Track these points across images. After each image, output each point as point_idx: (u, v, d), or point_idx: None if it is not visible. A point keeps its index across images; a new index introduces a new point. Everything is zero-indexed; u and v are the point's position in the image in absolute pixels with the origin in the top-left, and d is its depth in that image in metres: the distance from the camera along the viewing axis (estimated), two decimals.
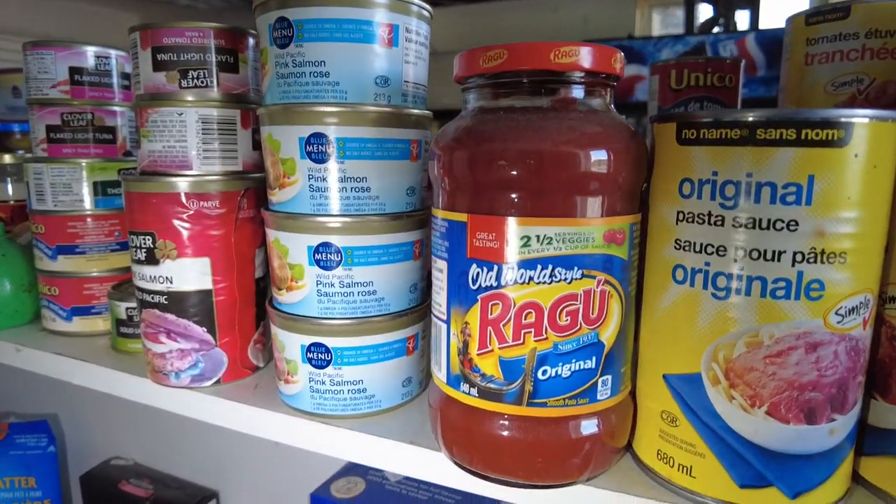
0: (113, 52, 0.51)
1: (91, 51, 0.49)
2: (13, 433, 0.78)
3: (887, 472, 0.28)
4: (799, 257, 0.24)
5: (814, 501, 0.26)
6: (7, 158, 0.69)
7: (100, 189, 0.50)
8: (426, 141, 0.37)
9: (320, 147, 0.33)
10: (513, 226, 0.26)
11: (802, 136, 0.24)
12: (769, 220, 0.24)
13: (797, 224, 0.24)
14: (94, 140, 0.50)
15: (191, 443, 0.73)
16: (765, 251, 0.25)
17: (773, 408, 0.26)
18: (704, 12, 4.04)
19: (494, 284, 0.27)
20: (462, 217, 0.28)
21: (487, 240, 0.27)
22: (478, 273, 0.27)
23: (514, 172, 0.26)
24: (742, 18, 3.91)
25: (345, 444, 0.35)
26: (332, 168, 0.33)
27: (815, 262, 0.24)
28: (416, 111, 0.35)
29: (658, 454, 0.29)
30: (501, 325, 0.27)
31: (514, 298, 0.27)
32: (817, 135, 0.23)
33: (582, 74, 0.27)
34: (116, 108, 0.51)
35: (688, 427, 0.28)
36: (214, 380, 0.41)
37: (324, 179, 0.33)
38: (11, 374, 0.83)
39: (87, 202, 0.50)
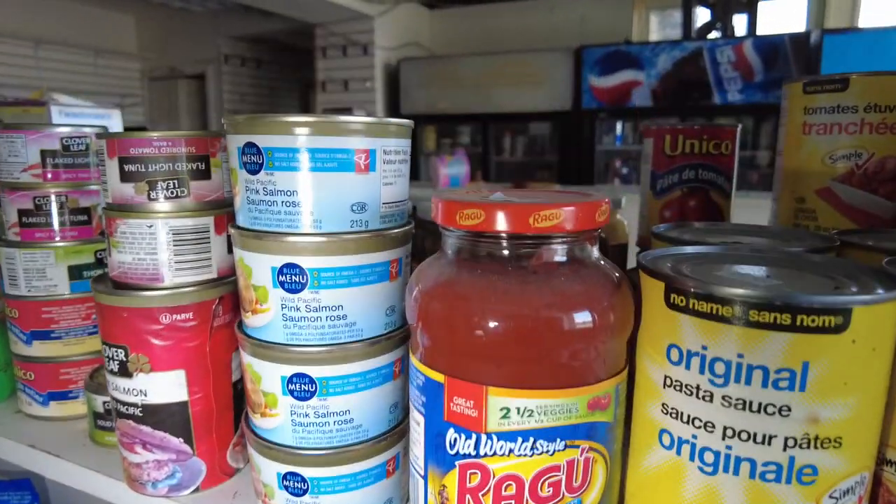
0: (88, 130, 0.49)
1: (63, 132, 0.48)
2: None
3: None
4: (791, 442, 0.23)
5: None
6: None
7: (75, 273, 0.49)
8: (407, 255, 0.35)
9: (293, 277, 0.31)
10: (492, 396, 0.25)
11: (797, 322, 0.22)
12: (760, 404, 0.23)
13: (790, 410, 0.23)
14: (70, 223, 0.49)
15: None
16: (755, 434, 0.23)
17: None
18: (702, 16, 4.02)
19: (473, 453, 0.26)
20: (439, 377, 0.26)
21: (465, 406, 0.25)
22: (455, 439, 0.26)
23: (493, 341, 0.25)
24: (740, 23, 3.89)
25: None
26: (307, 298, 0.31)
27: (809, 447, 0.23)
28: (395, 231, 0.34)
29: None
30: (480, 494, 0.26)
31: (494, 470, 0.25)
32: (813, 321, 0.22)
33: (565, 236, 0.25)
34: (92, 188, 0.50)
35: None
36: (192, 488, 0.39)
37: (297, 309, 0.32)
38: None
39: (62, 287, 0.49)
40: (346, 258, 0.31)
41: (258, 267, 0.32)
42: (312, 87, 5.64)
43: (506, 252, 0.26)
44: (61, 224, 0.48)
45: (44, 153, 0.47)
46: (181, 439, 0.38)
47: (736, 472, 0.24)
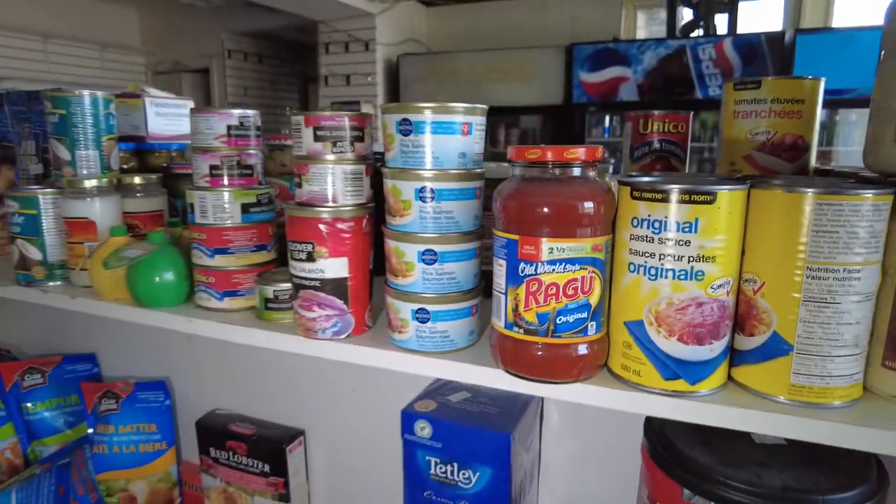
0: (251, 113, 0.73)
1: (239, 113, 0.72)
2: (138, 391, 1.01)
3: (744, 373, 0.52)
4: (691, 259, 0.48)
5: (703, 387, 0.50)
6: (138, 179, 0.91)
7: (244, 208, 0.73)
8: (483, 186, 0.60)
9: (426, 194, 0.56)
10: (544, 242, 0.49)
11: (692, 199, 0.47)
12: (676, 240, 0.48)
13: (690, 242, 0.48)
14: (240, 174, 0.73)
15: (276, 394, 0.96)
16: (674, 255, 0.48)
17: (680, 336, 0.49)
18: (686, 15, 4.28)
19: (533, 273, 0.50)
20: (515, 237, 0.51)
21: (530, 250, 0.50)
22: (524, 267, 0.50)
23: (544, 214, 0.49)
24: (721, 22, 4.16)
25: (440, 367, 0.58)
26: (432, 206, 0.56)
27: (700, 261, 0.48)
28: (478, 170, 0.58)
29: (621, 366, 0.53)
30: (537, 294, 0.50)
31: (544, 280, 0.50)
32: (700, 198, 0.47)
33: (579, 162, 0.50)
34: (251, 152, 0.74)
35: (637, 350, 0.51)
36: (346, 334, 0.64)
37: (427, 212, 0.56)
38: (134, 346, 1.06)
39: (236, 218, 0.72)
40: (454, 183, 0.56)
41: (405, 189, 0.56)
42: (312, 82, 5.84)
43: (549, 171, 0.50)
44: (235, 175, 0.72)
45: (228, 127, 0.71)
46: (342, 301, 0.63)
47: (665, 277, 0.49)
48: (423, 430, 0.66)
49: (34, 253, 0.87)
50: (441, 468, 0.66)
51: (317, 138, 0.60)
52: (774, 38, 3.69)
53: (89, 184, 0.85)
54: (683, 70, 3.92)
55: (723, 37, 3.85)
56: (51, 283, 0.88)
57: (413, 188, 0.56)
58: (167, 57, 5.67)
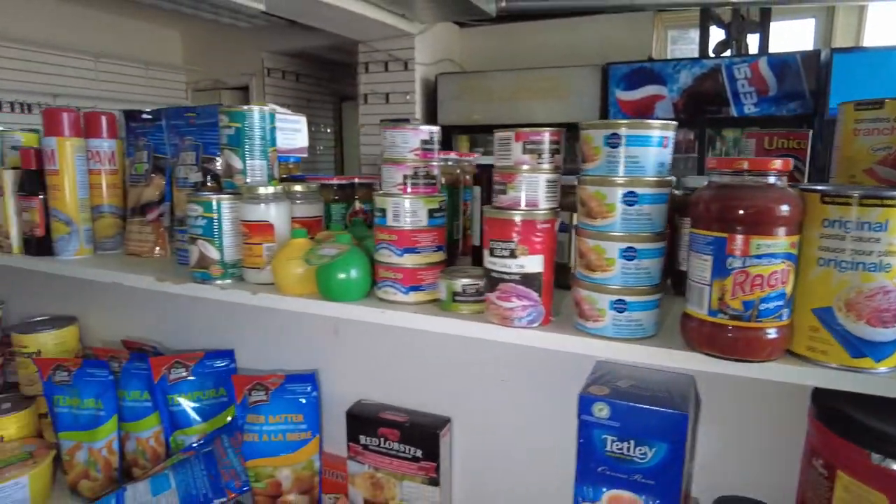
0: (436, 129, 0.83)
1: (428, 129, 0.82)
2: (287, 383, 1.10)
3: None
4: (879, 252, 0.57)
5: (885, 364, 0.59)
6: (299, 187, 1.02)
7: (430, 213, 0.82)
8: (670, 192, 0.69)
9: (631, 198, 0.65)
10: (749, 239, 0.59)
11: (884, 203, 0.56)
12: (865, 237, 0.57)
13: (878, 240, 0.56)
14: (425, 184, 0.83)
15: (420, 384, 1.04)
16: (863, 250, 0.57)
17: (867, 320, 0.58)
18: (717, 35, 4.39)
19: (740, 266, 0.59)
20: (723, 234, 0.60)
21: (736, 246, 0.59)
22: (731, 260, 0.60)
23: (747, 215, 0.58)
24: (753, 42, 4.26)
25: (636, 352, 0.67)
26: (634, 208, 0.65)
27: (888, 255, 0.57)
28: (670, 178, 0.67)
29: (807, 347, 0.62)
30: (743, 285, 0.59)
31: (750, 272, 0.59)
32: (890, 202, 0.56)
33: (776, 171, 0.59)
34: (434, 164, 0.84)
35: (825, 333, 0.60)
36: (538, 323, 0.73)
37: (630, 214, 0.65)
38: (285, 342, 1.15)
39: (424, 221, 0.82)
40: (653, 188, 0.65)
41: (609, 194, 0.66)
42: (346, 100, 6.01)
43: (747, 177, 0.60)
44: (421, 184, 0.82)
45: (422, 141, 0.81)
46: (537, 293, 0.72)
47: (855, 269, 0.58)
48: (602, 411, 0.74)
49: (213, 252, 0.97)
50: (617, 445, 0.74)
51: (525, 151, 0.70)
52: (810, 57, 3.77)
53: (264, 190, 0.95)
54: (718, 88, 4.01)
55: (758, 56, 3.94)
56: (219, 281, 0.98)
57: (618, 193, 0.65)
58: (207, 75, 5.86)
